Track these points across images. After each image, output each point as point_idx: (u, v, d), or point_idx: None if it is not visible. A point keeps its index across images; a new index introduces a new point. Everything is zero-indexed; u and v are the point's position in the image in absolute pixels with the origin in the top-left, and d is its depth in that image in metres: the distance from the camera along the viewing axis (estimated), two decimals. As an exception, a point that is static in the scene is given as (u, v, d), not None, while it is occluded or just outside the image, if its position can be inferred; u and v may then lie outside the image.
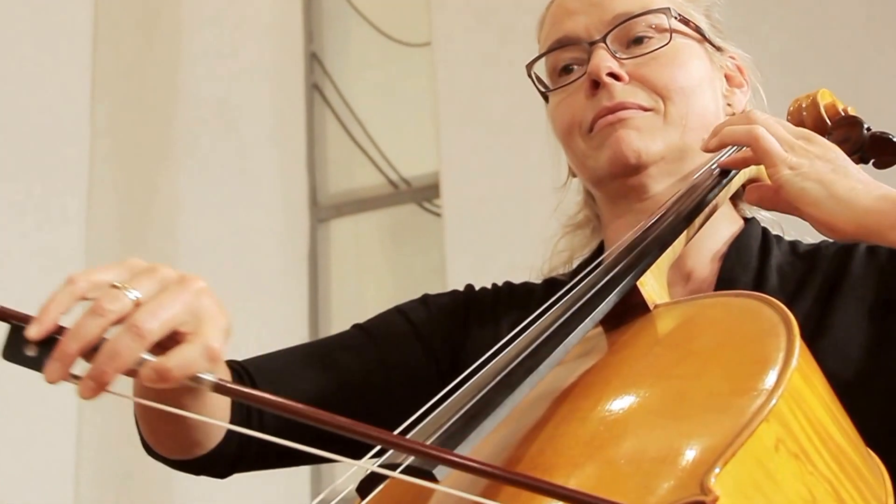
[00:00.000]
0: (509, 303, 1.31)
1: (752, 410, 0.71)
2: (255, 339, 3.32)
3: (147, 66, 3.77)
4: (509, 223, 3.07)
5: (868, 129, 1.24)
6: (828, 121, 1.28)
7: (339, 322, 3.49)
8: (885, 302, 1.12)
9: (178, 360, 0.78)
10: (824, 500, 0.73)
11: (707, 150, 1.16)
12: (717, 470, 0.66)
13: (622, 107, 1.19)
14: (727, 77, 1.30)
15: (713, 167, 1.19)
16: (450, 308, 1.32)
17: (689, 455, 0.70)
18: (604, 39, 1.21)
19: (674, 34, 1.23)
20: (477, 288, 1.36)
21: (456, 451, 0.77)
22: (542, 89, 1.32)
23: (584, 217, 1.38)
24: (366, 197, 3.67)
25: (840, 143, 1.16)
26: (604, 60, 1.19)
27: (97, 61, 3.58)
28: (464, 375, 0.93)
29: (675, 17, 1.23)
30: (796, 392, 0.75)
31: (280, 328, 3.38)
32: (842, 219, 1.01)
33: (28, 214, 3.24)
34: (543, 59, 1.30)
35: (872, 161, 1.25)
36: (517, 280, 1.37)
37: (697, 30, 1.26)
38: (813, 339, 0.89)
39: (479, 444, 0.81)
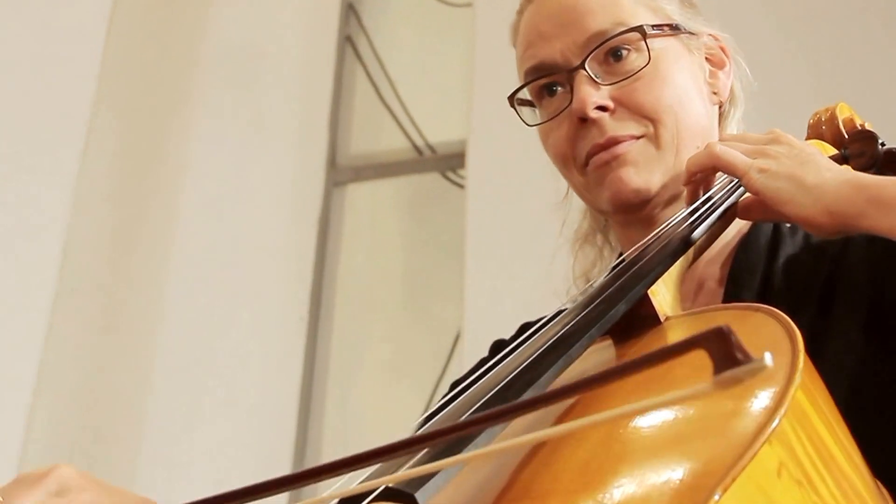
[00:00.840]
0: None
1: (753, 432, 0.68)
2: (254, 306, 3.23)
3: (173, 2, 3.62)
4: (535, 204, 2.88)
5: (883, 144, 1.25)
6: (845, 135, 1.29)
7: (343, 294, 3.34)
8: (878, 307, 1.10)
9: None
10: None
11: (685, 186, 1.15)
12: (716, 497, 0.63)
13: (614, 141, 1.19)
14: (708, 59, 1.29)
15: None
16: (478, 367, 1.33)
17: (688, 480, 0.68)
18: (583, 65, 1.20)
19: (651, 46, 1.21)
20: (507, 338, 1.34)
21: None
22: (528, 122, 1.31)
23: (589, 226, 1.39)
24: (387, 161, 3.49)
25: (856, 157, 1.22)
26: (588, 96, 1.18)
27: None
28: (462, 386, 0.91)
29: (650, 31, 1.21)
30: (799, 410, 0.73)
31: (281, 296, 3.23)
32: (814, 211, 1.01)
33: (17, 164, 3.04)
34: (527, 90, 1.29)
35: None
36: (540, 277, 1.40)
37: (672, 28, 1.25)
38: (815, 350, 0.85)
39: (475, 464, 0.81)
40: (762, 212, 1.10)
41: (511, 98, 1.30)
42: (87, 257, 3.20)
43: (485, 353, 1.36)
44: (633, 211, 1.22)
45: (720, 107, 1.29)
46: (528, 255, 2.74)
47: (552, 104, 1.25)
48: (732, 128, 1.31)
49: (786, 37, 2.78)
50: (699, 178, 1.13)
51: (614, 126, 1.19)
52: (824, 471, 0.73)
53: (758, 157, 1.06)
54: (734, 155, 1.07)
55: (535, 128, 1.31)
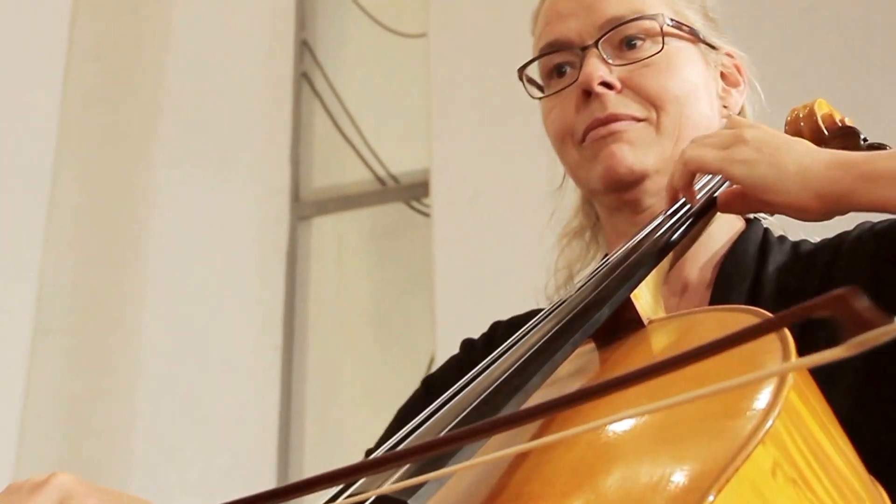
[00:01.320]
0: (506, 336, 1.24)
1: (747, 433, 0.68)
2: (227, 341, 3.24)
3: (131, 40, 3.64)
4: (502, 227, 2.92)
5: (865, 139, 1.23)
6: (825, 131, 1.27)
7: (315, 325, 3.35)
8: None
9: None
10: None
11: (668, 201, 1.12)
12: (710, 498, 0.63)
13: (614, 118, 1.19)
14: (723, 76, 1.29)
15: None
16: (453, 365, 1.32)
17: (682, 482, 0.67)
18: (596, 44, 1.20)
19: (667, 39, 1.21)
20: (476, 337, 1.35)
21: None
22: (534, 95, 1.31)
23: (580, 224, 1.37)
24: (351, 193, 3.51)
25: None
26: (595, 69, 1.18)
27: (75, 39, 3.42)
28: (445, 397, 0.89)
29: (668, 23, 1.22)
30: (793, 411, 0.72)
31: (252, 331, 3.22)
32: (802, 196, 0.98)
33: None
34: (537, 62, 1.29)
35: None
36: (511, 300, 1.36)
37: (692, 31, 1.25)
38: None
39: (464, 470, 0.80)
40: (744, 203, 1.07)
41: (521, 71, 1.29)
42: (62, 300, 3.22)
43: None
44: (624, 190, 1.20)
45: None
46: (496, 278, 2.77)
47: (560, 83, 1.24)
48: None
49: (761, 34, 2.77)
50: (682, 186, 1.09)
51: (616, 104, 1.19)
52: (819, 470, 0.73)
53: (733, 147, 1.02)
54: (704, 152, 1.04)
55: (531, 129, 1.33)
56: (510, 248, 2.80)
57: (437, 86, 3.24)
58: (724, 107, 1.28)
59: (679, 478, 0.69)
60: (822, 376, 0.80)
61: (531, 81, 1.31)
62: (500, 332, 1.32)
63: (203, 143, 3.48)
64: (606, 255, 1.26)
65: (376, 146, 3.51)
